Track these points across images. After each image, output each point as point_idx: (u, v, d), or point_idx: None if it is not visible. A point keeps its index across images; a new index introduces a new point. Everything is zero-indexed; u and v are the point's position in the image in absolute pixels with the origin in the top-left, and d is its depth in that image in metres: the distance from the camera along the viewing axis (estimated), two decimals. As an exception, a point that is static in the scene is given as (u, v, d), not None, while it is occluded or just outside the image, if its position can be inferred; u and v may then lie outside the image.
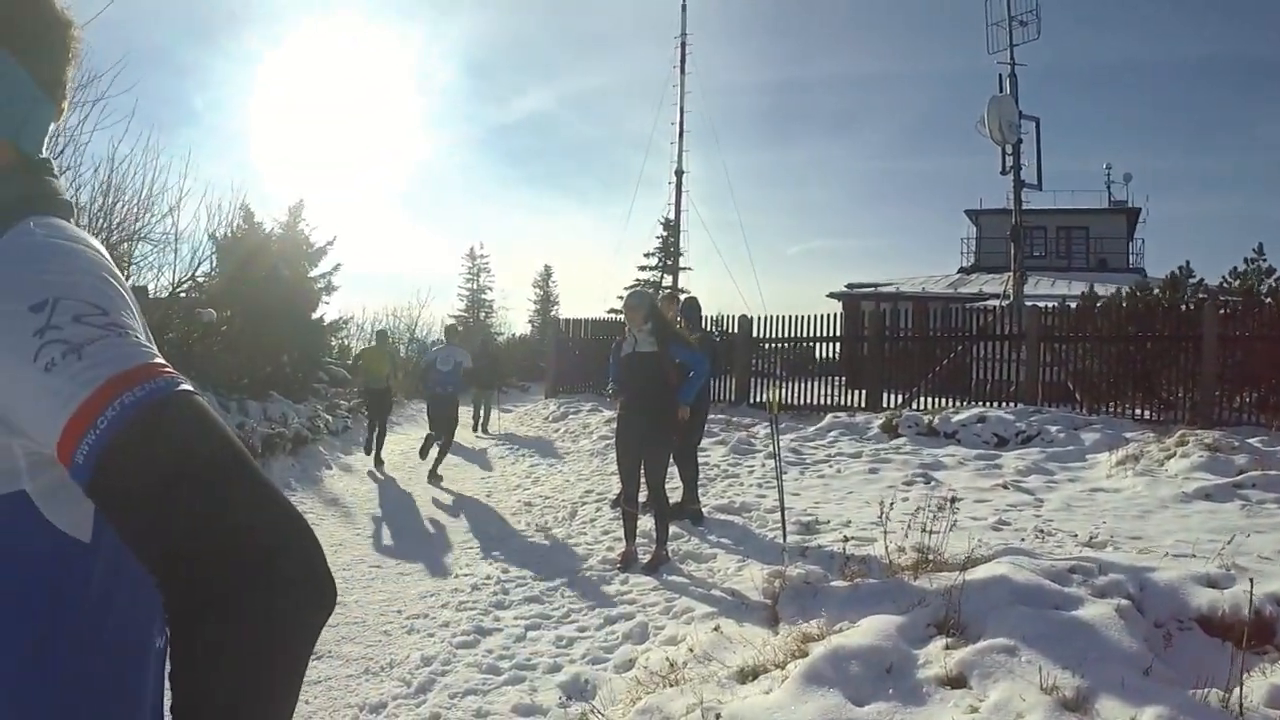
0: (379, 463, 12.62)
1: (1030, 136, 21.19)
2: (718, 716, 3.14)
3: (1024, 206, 21.74)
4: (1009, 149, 20.80)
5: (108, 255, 0.96)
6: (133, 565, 0.90)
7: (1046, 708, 3.01)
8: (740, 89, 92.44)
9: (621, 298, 37.82)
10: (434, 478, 11.37)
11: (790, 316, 16.66)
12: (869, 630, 3.88)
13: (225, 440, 0.83)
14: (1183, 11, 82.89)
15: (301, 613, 0.81)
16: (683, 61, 33.93)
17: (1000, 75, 21.53)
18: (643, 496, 7.04)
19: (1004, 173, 21.21)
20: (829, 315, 16.90)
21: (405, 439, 15.74)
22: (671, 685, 3.93)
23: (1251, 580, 2.88)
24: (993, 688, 3.27)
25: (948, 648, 3.63)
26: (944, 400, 14.37)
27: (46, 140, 1.05)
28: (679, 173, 33.99)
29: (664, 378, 6.81)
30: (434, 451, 11.90)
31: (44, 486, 0.87)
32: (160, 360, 0.85)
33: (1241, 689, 2.92)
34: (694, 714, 3.33)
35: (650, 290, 7.46)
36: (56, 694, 0.88)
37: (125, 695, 0.96)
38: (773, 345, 17.13)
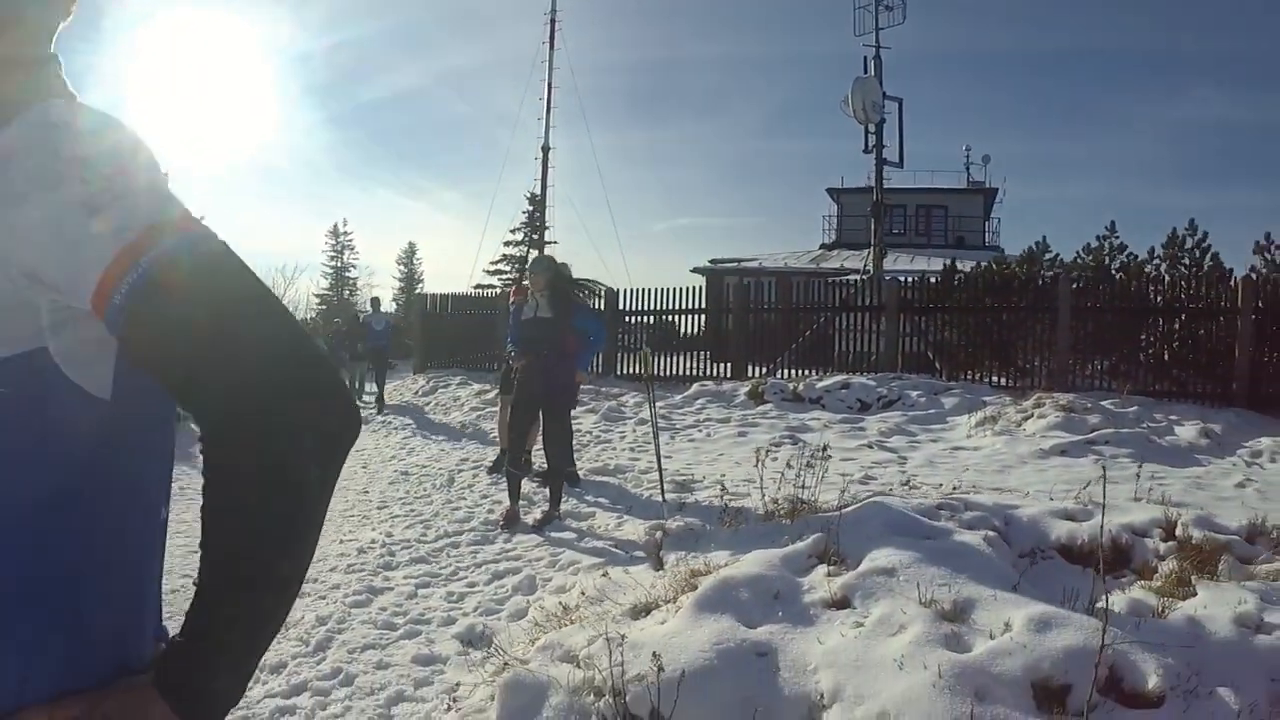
0: None
1: (893, 117, 21.99)
2: (621, 642, 3.25)
3: (885, 185, 22.56)
4: (872, 129, 21.54)
5: None
6: (145, 434, 0.97)
7: (927, 619, 3.23)
8: (611, 68, 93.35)
9: (488, 271, 37.60)
10: (381, 405, 15.75)
11: (655, 289, 16.66)
12: (754, 561, 4.05)
13: (260, 283, 0.90)
14: (1043, 3, 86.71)
15: (337, 432, 0.88)
16: (551, 38, 33.83)
17: (865, 57, 22.24)
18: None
19: (867, 151, 21.99)
20: (693, 288, 17.12)
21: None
22: (570, 624, 4.05)
23: (1103, 509, 3.14)
24: (875, 606, 3.49)
25: (830, 574, 3.83)
26: (807, 371, 14.67)
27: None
28: (545, 149, 33.98)
29: (562, 343, 6.91)
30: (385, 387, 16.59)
31: (66, 344, 0.89)
32: (195, 216, 0.92)
33: (1107, 600, 3.19)
34: (597, 644, 3.44)
35: (553, 258, 7.44)
36: (68, 545, 0.91)
37: (130, 556, 0.99)
38: (638, 318, 17.14)
